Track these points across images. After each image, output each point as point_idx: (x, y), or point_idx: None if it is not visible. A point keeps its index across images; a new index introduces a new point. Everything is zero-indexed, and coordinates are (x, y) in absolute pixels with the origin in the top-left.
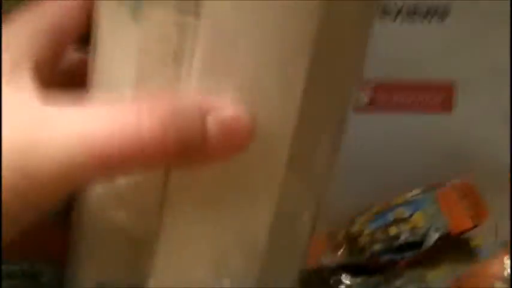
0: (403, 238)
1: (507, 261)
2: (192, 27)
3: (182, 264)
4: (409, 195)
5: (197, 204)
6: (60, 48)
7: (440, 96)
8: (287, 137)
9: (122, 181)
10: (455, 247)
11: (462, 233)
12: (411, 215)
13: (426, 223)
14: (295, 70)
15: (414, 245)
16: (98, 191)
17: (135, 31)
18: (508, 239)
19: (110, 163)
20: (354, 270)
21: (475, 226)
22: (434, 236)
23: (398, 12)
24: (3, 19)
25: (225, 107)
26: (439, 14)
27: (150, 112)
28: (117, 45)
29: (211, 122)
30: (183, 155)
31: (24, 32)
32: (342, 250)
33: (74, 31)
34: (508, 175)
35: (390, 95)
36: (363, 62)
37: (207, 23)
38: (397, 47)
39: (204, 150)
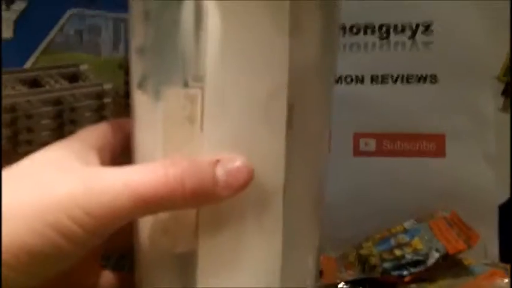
0: (408, 257)
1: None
2: (199, 96)
3: (219, 275)
4: (406, 224)
5: (222, 226)
6: (114, 146)
7: (434, 144)
8: (280, 172)
9: (164, 214)
10: (452, 265)
11: (458, 253)
12: (411, 240)
13: (425, 246)
14: (277, 114)
15: (418, 263)
16: (146, 223)
17: (158, 108)
18: (496, 259)
19: (147, 203)
20: (368, 284)
21: (469, 247)
22: (435, 256)
23: (397, 78)
24: None
25: (230, 158)
26: (429, 79)
27: (174, 167)
28: (147, 123)
29: (220, 172)
30: (199, 196)
31: (90, 134)
32: (354, 269)
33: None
34: (493, 207)
35: (393, 143)
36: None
37: (210, 91)
38: (399, 105)
39: (214, 193)
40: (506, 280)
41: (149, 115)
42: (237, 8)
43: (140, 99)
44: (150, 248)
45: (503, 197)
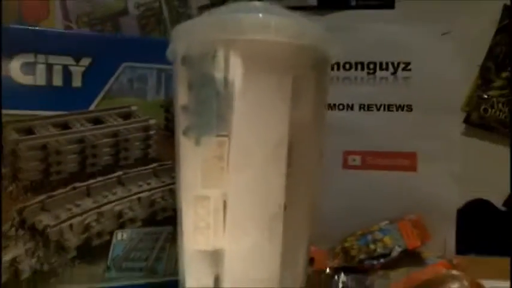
0: (379, 251)
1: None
2: (226, 142)
3: (241, 267)
4: (381, 224)
5: (243, 232)
6: None
7: (408, 161)
8: (281, 196)
9: (200, 221)
10: (412, 257)
11: (415, 249)
12: (383, 237)
13: (392, 242)
14: (280, 157)
15: (385, 255)
16: (187, 225)
17: (198, 151)
18: (453, 253)
19: None
20: (348, 271)
21: (423, 244)
22: (398, 250)
23: (380, 106)
24: None
25: None
26: (406, 108)
27: None
28: (189, 161)
29: None
30: None
31: None
32: (339, 258)
33: None
34: (453, 212)
35: (375, 159)
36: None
37: (232, 139)
38: (380, 129)
39: None
40: (450, 269)
41: (191, 155)
42: (254, 84)
43: (184, 143)
44: (190, 243)
45: (460, 204)
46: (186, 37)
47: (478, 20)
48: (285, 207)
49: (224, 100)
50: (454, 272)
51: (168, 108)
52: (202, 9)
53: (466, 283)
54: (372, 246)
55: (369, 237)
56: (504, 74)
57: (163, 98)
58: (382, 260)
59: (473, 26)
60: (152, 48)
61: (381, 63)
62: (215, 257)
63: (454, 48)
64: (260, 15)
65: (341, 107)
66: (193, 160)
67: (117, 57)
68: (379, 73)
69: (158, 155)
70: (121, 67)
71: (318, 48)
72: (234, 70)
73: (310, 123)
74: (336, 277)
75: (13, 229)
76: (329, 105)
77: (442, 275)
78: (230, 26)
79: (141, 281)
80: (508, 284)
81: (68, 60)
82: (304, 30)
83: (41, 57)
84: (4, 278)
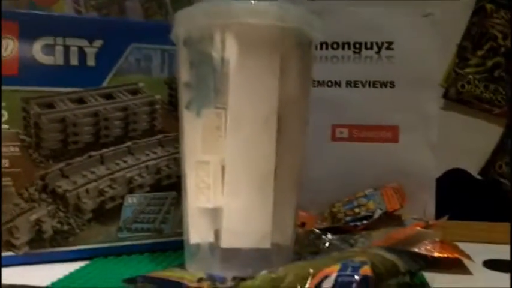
0: (362, 214)
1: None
2: (223, 114)
3: (237, 223)
4: (366, 191)
5: (239, 192)
6: None
7: (390, 133)
8: (272, 160)
9: (202, 182)
10: (392, 219)
11: (394, 211)
12: (367, 202)
13: (375, 206)
14: (271, 127)
15: (368, 217)
16: (191, 185)
17: (199, 122)
18: (432, 217)
19: None
20: (334, 231)
21: (401, 207)
22: (379, 212)
23: (365, 83)
24: None
25: None
26: (389, 85)
27: None
28: (191, 130)
29: None
30: None
31: None
32: (327, 221)
33: None
34: (432, 180)
35: (361, 132)
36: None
37: (229, 111)
38: (366, 104)
39: None
40: (422, 229)
41: (193, 126)
42: (247, 62)
43: (187, 116)
44: (192, 202)
45: (439, 173)
46: (187, 22)
47: (456, 1)
48: (275, 171)
49: (221, 76)
50: (427, 230)
51: (171, 85)
52: None
53: (437, 239)
54: (357, 210)
55: (354, 202)
56: (480, 53)
57: (167, 76)
58: (364, 222)
59: (452, 7)
60: (156, 31)
61: (366, 43)
62: (215, 213)
63: (434, 28)
64: (250, 1)
65: (329, 83)
66: (194, 130)
67: (125, 39)
68: (364, 52)
69: (163, 127)
70: (129, 48)
71: (301, 30)
72: (229, 50)
73: (296, 96)
74: (323, 236)
75: (36, 193)
76: (318, 82)
77: (416, 234)
78: (224, 12)
79: (149, 241)
80: (479, 246)
81: (83, 42)
82: (288, 14)
83: (59, 40)
84: (29, 236)
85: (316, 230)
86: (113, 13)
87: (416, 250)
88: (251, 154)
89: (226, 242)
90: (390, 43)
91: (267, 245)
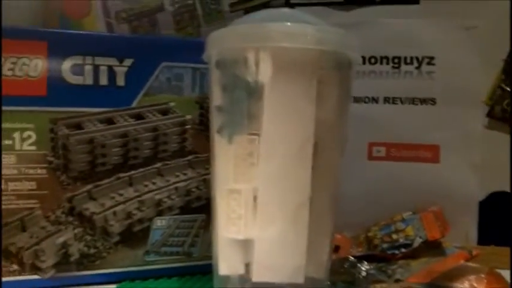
0: (401, 241)
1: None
2: (256, 140)
3: (269, 256)
4: (404, 215)
5: (272, 223)
6: None
7: (430, 153)
8: (307, 190)
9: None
10: (433, 247)
11: (435, 240)
12: (405, 228)
13: (414, 233)
14: (306, 155)
15: (406, 245)
16: (221, 215)
17: (231, 148)
18: (475, 243)
19: None
20: (370, 259)
21: (443, 236)
22: (419, 241)
23: (405, 100)
24: None
25: None
26: (430, 101)
27: None
28: (222, 157)
29: None
30: None
31: None
32: (362, 247)
33: None
34: (475, 203)
35: (399, 151)
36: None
37: (262, 138)
38: (405, 121)
39: None
40: (468, 260)
41: (224, 152)
42: (282, 87)
43: (218, 141)
44: (223, 232)
45: (482, 196)
46: (220, 44)
47: (502, 15)
48: (310, 199)
49: (255, 101)
50: (472, 264)
51: (202, 104)
52: (234, 5)
53: (483, 275)
54: (394, 236)
55: (392, 227)
56: None
57: (198, 95)
58: (403, 250)
59: (497, 21)
60: (188, 49)
61: (405, 58)
62: (246, 245)
63: (478, 43)
64: (286, 23)
65: (366, 100)
66: (226, 156)
67: (156, 57)
68: (403, 67)
69: (193, 148)
70: (160, 67)
71: (339, 53)
72: (264, 74)
73: (334, 122)
74: (359, 265)
75: (63, 215)
76: (355, 98)
77: (459, 267)
78: (259, 34)
79: (178, 264)
80: None
81: (113, 61)
82: (326, 37)
83: (89, 59)
84: (55, 259)
85: (352, 258)
86: (143, 25)
87: (460, 286)
88: (285, 183)
89: (257, 276)
90: (431, 58)
91: (300, 279)
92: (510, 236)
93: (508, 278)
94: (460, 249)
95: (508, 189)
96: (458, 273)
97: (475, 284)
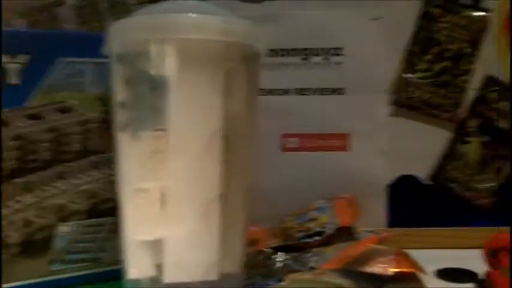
0: (315, 229)
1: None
2: (163, 136)
3: (180, 254)
4: (318, 203)
5: (181, 221)
6: None
7: (341, 141)
8: (217, 185)
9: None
10: (346, 233)
11: (348, 226)
12: (319, 216)
13: (328, 220)
14: (215, 148)
15: (320, 233)
16: (128, 217)
17: (136, 145)
18: (383, 225)
19: None
20: (286, 249)
21: (355, 222)
22: (332, 228)
23: (314, 90)
24: None
25: None
26: (338, 91)
27: None
28: (127, 155)
29: None
30: None
31: None
32: (279, 238)
33: None
34: (383, 188)
35: (312, 141)
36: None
37: (169, 133)
38: (315, 112)
39: None
40: (377, 244)
41: (129, 150)
42: (188, 79)
43: (122, 139)
44: (130, 234)
45: (391, 179)
46: (121, 36)
47: (404, 5)
48: (222, 194)
49: (160, 96)
50: (381, 246)
51: (105, 102)
52: None
53: (391, 256)
54: (309, 225)
55: (307, 216)
56: (427, 57)
57: (101, 91)
58: (317, 238)
59: (400, 11)
60: (89, 43)
61: (314, 50)
62: (156, 246)
63: (383, 33)
64: (191, 15)
65: (278, 92)
66: (131, 154)
67: (53, 53)
68: (312, 59)
69: (98, 147)
70: (58, 62)
71: (246, 44)
72: (168, 67)
73: (243, 115)
74: (274, 256)
75: None
76: (266, 90)
77: (370, 250)
78: (163, 26)
79: (86, 272)
80: (432, 252)
81: (4, 58)
82: (233, 28)
83: None
84: None
85: (266, 250)
86: (42, 20)
87: (371, 269)
88: (195, 178)
89: (169, 277)
90: (339, 49)
91: (213, 276)
92: (419, 216)
93: (420, 258)
94: (371, 233)
95: (412, 173)
96: (369, 257)
97: (386, 265)
